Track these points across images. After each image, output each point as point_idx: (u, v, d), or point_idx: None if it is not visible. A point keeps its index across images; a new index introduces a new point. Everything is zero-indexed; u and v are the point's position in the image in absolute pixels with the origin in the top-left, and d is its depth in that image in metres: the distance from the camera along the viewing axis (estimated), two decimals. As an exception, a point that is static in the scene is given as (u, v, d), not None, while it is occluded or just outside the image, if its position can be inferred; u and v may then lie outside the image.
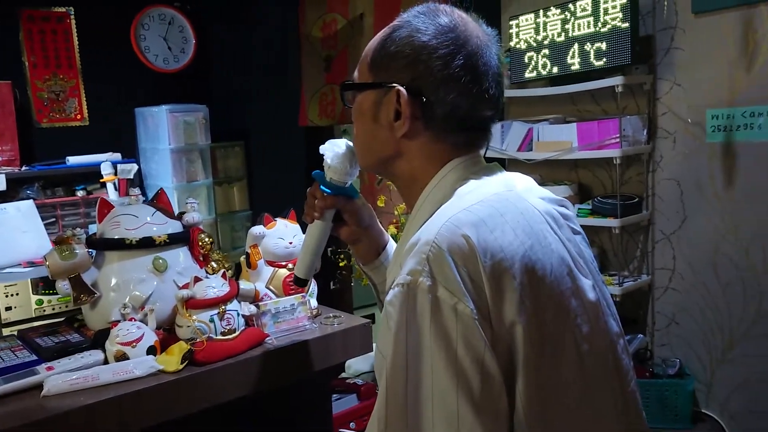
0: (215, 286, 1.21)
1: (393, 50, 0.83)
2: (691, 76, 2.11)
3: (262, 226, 1.40)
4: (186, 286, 1.21)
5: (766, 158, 1.98)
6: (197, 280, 1.21)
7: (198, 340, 1.15)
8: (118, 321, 1.16)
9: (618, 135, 2.10)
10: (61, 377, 1.02)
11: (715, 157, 2.08)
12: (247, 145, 3.81)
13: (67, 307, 1.51)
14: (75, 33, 3.57)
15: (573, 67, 2.21)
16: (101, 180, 3.37)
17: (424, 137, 0.85)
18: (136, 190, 1.36)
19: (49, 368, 1.06)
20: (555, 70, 2.28)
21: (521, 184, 0.89)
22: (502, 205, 0.79)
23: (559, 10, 2.23)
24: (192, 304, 1.18)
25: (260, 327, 1.28)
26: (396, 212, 1.95)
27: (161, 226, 1.29)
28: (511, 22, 2.42)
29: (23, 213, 1.91)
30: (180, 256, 1.31)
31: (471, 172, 0.85)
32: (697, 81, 2.10)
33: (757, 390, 2.04)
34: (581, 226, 0.93)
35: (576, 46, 2.19)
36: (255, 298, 1.33)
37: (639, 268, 2.31)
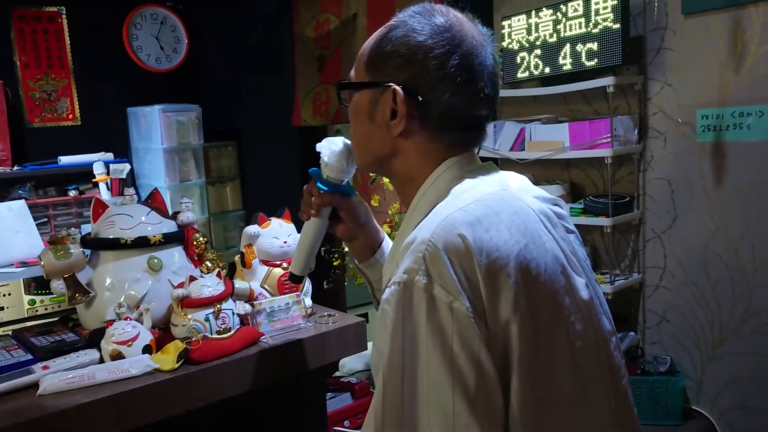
0: (210, 285, 1.21)
1: (389, 50, 0.84)
2: (681, 76, 2.14)
3: (257, 226, 1.41)
4: (181, 286, 1.22)
5: (755, 158, 2.00)
6: (192, 279, 1.21)
7: (193, 338, 1.16)
8: (114, 320, 1.16)
9: (609, 135, 2.12)
10: (57, 376, 1.02)
11: (705, 157, 2.11)
12: (240, 144, 3.81)
13: (59, 307, 1.50)
14: (67, 32, 3.56)
15: (565, 68, 2.23)
16: (93, 180, 3.37)
17: (420, 136, 0.85)
18: (131, 190, 1.36)
19: (45, 367, 1.06)
20: (547, 70, 2.30)
21: (516, 183, 0.90)
22: (497, 205, 0.80)
23: (551, 11, 2.25)
24: (187, 303, 1.18)
25: (255, 326, 1.28)
26: (390, 211, 1.95)
27: (156, 226, 1.30)
28: (503, 23, 2.43)
29: (15, 213, 1.90)
30: (175, 256, 1.31)
31: (466, 171, 0.86)
32: (688, 81, 2.12)
33: (746, 387, 2.06)
34: (573, 225, 0.95)
35: (568, 46, 2.21)
36: (250, 297, 1.34)
37: (630, 267, 2.33)
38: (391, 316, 0.74)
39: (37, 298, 1.42)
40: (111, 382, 1.05)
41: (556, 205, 0.93)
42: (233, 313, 1.23)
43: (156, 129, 3.45)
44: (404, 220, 0.89)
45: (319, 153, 1.02)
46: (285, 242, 1.41)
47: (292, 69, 3.28)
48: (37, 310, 1.41)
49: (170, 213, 1.37)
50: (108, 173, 3.35)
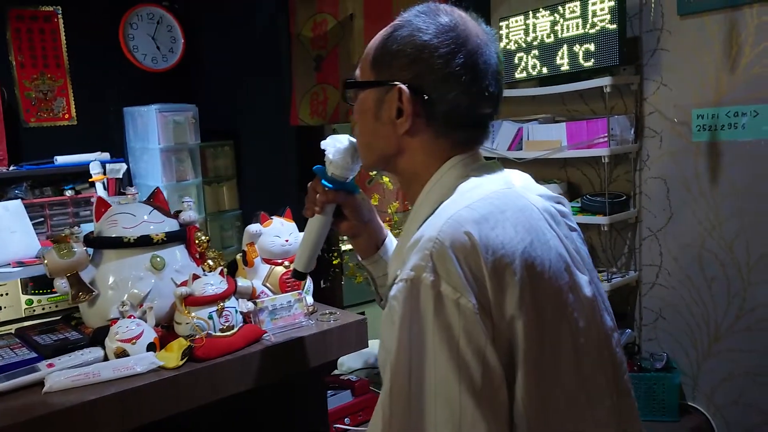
0: (213, 283, 1.22)
1: (395, 49, 0.85)
2: (677, 76, 2.16)
3: (259, 224, 1.41)
4: (184, 284, 1.22)
5: (750, 157, 2.02)
6: (196, 277, 1.22)
7: (197, 336, 1.16)
8: (117, 318, 1.16)
9: (606, 134, 2.14)
10: (63, 374, 1.03)
11: (700, 156, 2.13)
12: (237, 144, 3.81)
13: (57, 306, 1.50)
14: (63, 32, 3.55)
15: (562, 68, 2.24)
16: (90, 179, 3.36)
17: (426, 134, 0.86)
18: (133, 189, 1.37)
19: (50, 365, 1.06)
20: (545, 70, 2.31)
21: (520, 181, 0.91)
22: (502, 203, 0.81)
23: (548, 12, 2.27)
24: (191, 301, 1.19)
25: (258, 324, 1.29)
26: (389, 210, 1.96)
27: (158, 225, 1.30)
28: (501, 23, 2.45)
29: (11, 213, 1.90)
30: (177, 254, 1.32)
31: (471, 170, 0.87)
32: (683, 82, 2.14)
33: (741, 383, 2.09)
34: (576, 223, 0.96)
35: (565, 47, 2.22)
36: (252, 296, 1.34)
37: (627, 265, 2.35)
38: (398, 312, 0.75)
39: (35, 298, 1.43)
40: (116, 379, 1.06)
41: (558, 203, 0.94)
42: (236, 311, 1.24)
43: (153, 129, 3.44)
44: (409, 217, 0.90)
45: (324, 150, 1.03)
46: (286, 241, 1.42)
47: (289, 69, 3.28)
48: (34, 310, 1.41)
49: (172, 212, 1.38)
50: (105, 173, 3.34)
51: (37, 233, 1.90)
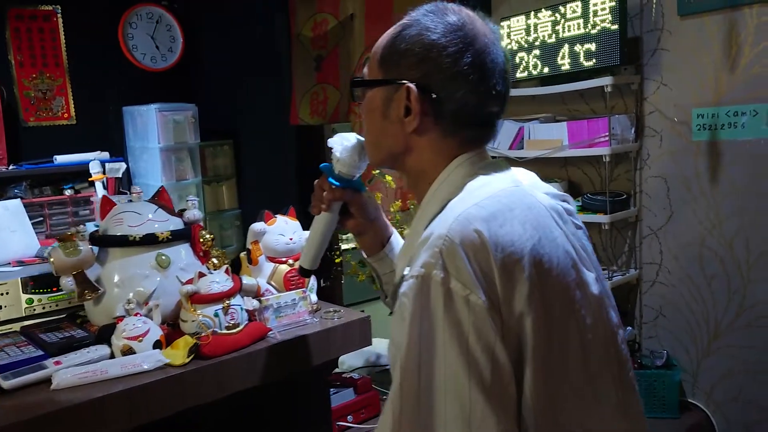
0: (219, 281, 1.22)
1: (403, 48, 0.86)
2: (677, 76, 2.17)
3: (263, 223, 1.42)
4: (190, 282, 1.23)
5: (750, 156, 2.03)
6: (201, 275, 1.22)
7: (203, 334, 1.17)
8: (123, 316, 1.17)
9: (607, 133, 2.15)
10: (70, 371, 1.03)
11: (700, 155, 2.14)
12: (236, 143, 3.81)
13: (57, 306, 1.51)
14: (62, 31, 3.54)
15: (563, 68, 2.25)
16: (90, 179, 3.36)
17: (434, 133, 0.87)
18: (138, 187, 1.37)
19: (57, 363, 1.07)
20: (546, 70, 2.32)
21: (526, 179, 0.92)
22: (510, 201, 0.82)
23: (549, 12, 2.27)
24: (197, 299, 1.19)
25: (262, 321, 1.30)
26: (391, 209, 1.97)
27: (163, 223, 1.30)
28: (502, 23, 2.45)
29: (11, 212, 1.90)
30: (182, 253, 1.32)
31: (479, 168, 0.87)
32: (683, 81, 2.15)
33: (740, 379, 2.10)
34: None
35: (566, 47, 2.23)
36: (257, 294, 1.35)
37: (627, 263, 2.36)
38: (408, 309, 0.76)
39: (35, 297, 1.43)
40: (123, 376, 1.06)
41: (564, 201, 0.95)
42: (242, 309, 1.24)
43: (153, 128, 3.44)
44: (417, 215, 0.91)
45: (331, 148, 1.03)
46: (290, 239, 1.43)
47: (288, 68, 3.29)
48: (34, 309, 1.42)
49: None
50: (104, 172, 3.34)
51: (36, 232, 1.90)
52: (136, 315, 1.16)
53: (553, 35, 2.27)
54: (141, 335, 1.13)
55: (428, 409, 0.75)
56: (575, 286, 0.83)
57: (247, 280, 1.32)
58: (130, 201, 1.34)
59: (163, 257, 1.27)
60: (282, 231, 1.43)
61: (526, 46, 2.37)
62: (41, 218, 3.20)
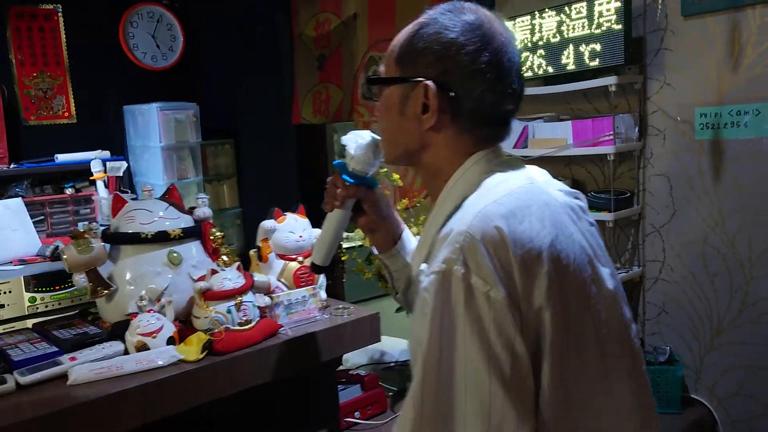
0: (231, 278, 1.23)
1: (421, 46, 0.86)
2: (680, 76, 2.18)
3: (273, 221, 1.43)
4: (202, 279, 1.23)
5: (752, 154, 2.05)
6: (214, 272, 1.23)
7: (216, 330, 1.17)
8: (136, 313, 1.17)
9: (612, 132, 2.16)
10: (86, 367, 1.04)
11: (703, 154, 2.15)
12: (237, 142, 3.82)
13: (60, 304, 1.52)
14: (63, 30, 3.54)
15: (568, 68, 2.26)
16: (91, 178, 3.36)
17: (450, 130, 0.88)
18: (149, 185, 1.38)
19: (72, 359, 1.07)
20: (550, 70, 2.33)
21: (540, 177, 0.93)
22: (527, 197, 0.83)
23: (554, 12, 2.28)
24: (209, 295, 1.20)
25: (273, 318, 1.30)
26: (398, 207, 1.97)
27: (174, 221, 1.31)
28: (507, 23, 2.46)
29: (12, 211, 1.90)
30: (193, 250, 1.33)
31: (495, 165, 0.88)
32: (686, 81, 2.16)
33: (742, 375, 2.11)
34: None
35: (571, 47, 2.24)
36: (267, 290, 1.36)
37: (630, 260, 2.37)
38: (429, 304, 0.77)
39: (38, 296, 1.44)
40: (138, 372, 1.07)
41: (576, 198, 0.96)
42: (254, 306, 1.25)
43: (154, 127, 3.44)
44: (433, 211, 0.91)
45: (344, 146, 1.04)
46: (300, 237, 1.43)
47: (290, 67, 3.29)
48: (37, 308, 1.42)
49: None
50: (105, 171, 3.34)
51: (37, 231, 1.90)
52: (149, 311, 1.17)
53: (558, 35, 2.28)
54: (155, 331, 1.14)
55: (449, 404, 0.75)
56: (591, 282, 0.84)
57: (258, 277, 1.32)
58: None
59: (175, 254, 1.27)
60: (292, 228, 1.43)
61: (530, 46, 2.38)
62: (42, 217, 3.20)
